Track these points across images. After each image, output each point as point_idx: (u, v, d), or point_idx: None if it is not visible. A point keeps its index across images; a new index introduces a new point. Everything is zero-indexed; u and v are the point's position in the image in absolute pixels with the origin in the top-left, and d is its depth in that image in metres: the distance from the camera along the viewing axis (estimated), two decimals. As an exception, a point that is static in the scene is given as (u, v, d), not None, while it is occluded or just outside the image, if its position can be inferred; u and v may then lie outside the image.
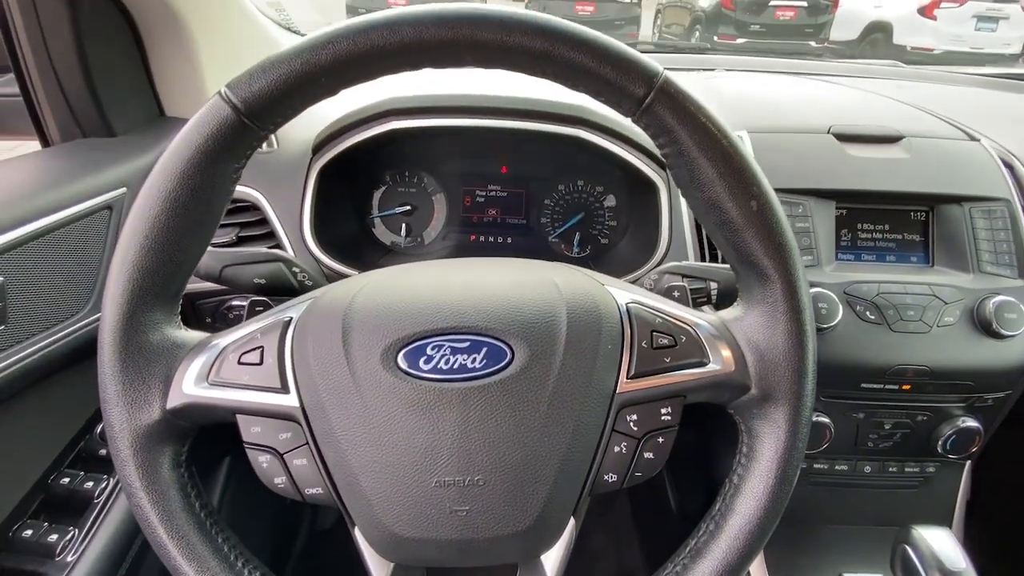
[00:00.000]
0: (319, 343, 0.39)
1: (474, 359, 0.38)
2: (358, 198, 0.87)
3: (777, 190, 0.72)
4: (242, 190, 0.74)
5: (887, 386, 0.68)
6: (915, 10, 7.14)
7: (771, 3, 7.40)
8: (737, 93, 0.91)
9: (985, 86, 1.26)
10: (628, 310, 0.42)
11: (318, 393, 0.38)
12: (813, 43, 7.36)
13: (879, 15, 7.60)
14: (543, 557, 0.41)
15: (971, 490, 0.79)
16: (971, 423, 0.70)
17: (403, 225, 0.88)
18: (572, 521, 0.41)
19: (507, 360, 0.38)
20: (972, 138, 0.78)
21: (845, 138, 0.75)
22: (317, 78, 0.36)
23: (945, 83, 1.27)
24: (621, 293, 0.43)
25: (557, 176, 0.88)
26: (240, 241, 0.74)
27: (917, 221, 0.72)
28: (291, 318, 0.41)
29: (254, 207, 0.74)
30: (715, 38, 7.56)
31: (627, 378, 0.40)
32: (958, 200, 0.71)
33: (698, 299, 0.55)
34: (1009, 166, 0.76)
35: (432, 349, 0.38)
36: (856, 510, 0.76)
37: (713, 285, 0.54)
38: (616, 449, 0.40)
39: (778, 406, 0.40)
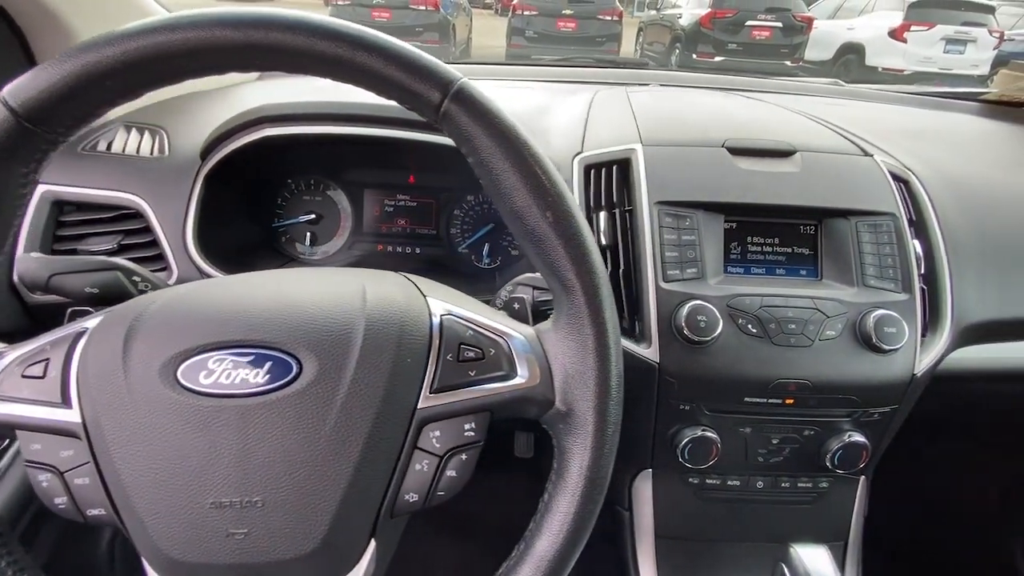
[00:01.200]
0: (100, 354, 0.37)
1: (257, 373, 0.36)
2: (260, 206, 0.85)
3: (664, 203, 0.74)
4: (124, 196, 0.72)
5: (770, 400, 0.68)
6: (886, 33, 7.35)
7: (747, 23, 7.58)
8: (648, 107, 0.91)
9: (917, 104, 1.29)
10: (440, 322, 0.41)
11: (96, 407, 0.36)
12: (788, 63, 7.54)
13: (852, 36, 7.81)
14: (341, 582, 0.40)
15: (869, 505, 0.78)
16: (858, 438, 0.70)
17: (308, 234, 0.87)
18: (373, 544, 0.39)
19: (293, 375, 0.37)
20: (866, 153, 0.79)
21: (738, 152, 0.75)
22: (100, 81, 0.35)
23: (879, 101, 1.29)
24: (439, 304, 0.42)
25: (466, 187, 0.87)
26: (121, 250, 0.72)
27: (806, 235, 0.73)
28: (86, 329, 0.39)
29: (138, 214, 0.72)
30: (694, 56, 7.72)
31: (429, 392, 0.39)
32: (845, 214, 0.71)
33: (547, 310, 0.54)
34: (904, 181, 0.77)
35: (214, 363, 0.36)
36: (751, 526, 0.75)
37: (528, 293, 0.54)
38: (417, 467, 0.38)
39: (582, 421, 0.39)
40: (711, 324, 0.64)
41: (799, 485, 0.74)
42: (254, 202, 0.84)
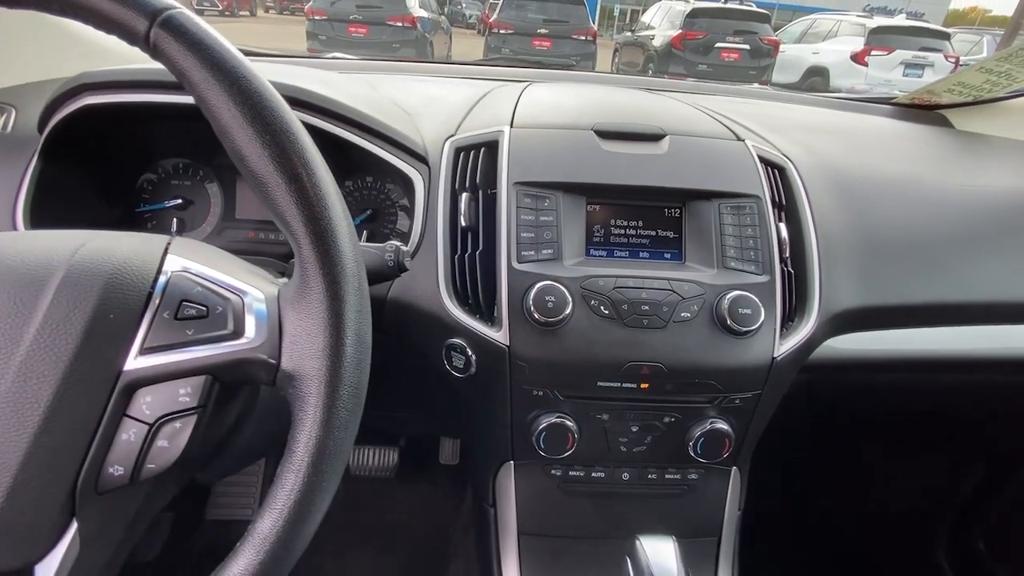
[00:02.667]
0: None
1: None
2: (122, 189, 0.81)
3: (524, 184, 0.72)
4: None
5: (624, 384, 0.65)
6: (849, 57, 7.62)
7: (717, 45, 7.80)
8: (534, 96, 0.90)
9: (838, 107, 1.30)
10: (168, 279, 0.37)
11: None
12: (756, 85, 7.74)
13: (817, 60, 8.09)
14: (38, 567, 0.35)
15: (746, 497, 0.76)
16: (721, 425, 0.67)
17: (175, 220, 0.83)
18: (76, 525, 0.35)
19: None
20: (738, 138, 0.78)
21: (606, 135, 0.74)
22: None
23: (799, 103, 1.31)
24: (178, 260, 0.39)
25: (344, 171, 0.85)
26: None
27: (671, 218, 0.71)
28: None
29: None
30: (666, 76, 7.90)
31: (139, 353, 0.35)
32: (708, 196, 0.70)
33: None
34: (779, 168, 0.77)
35: None
36: (619, 522, 0.72)
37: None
38: (124, 436, 0.35)
39: (309, 386, 0.35)
40: (559, 304, 0.62)
41: (667, 477, 0.71)
42: (113, 184, 0.80)
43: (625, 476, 0.71)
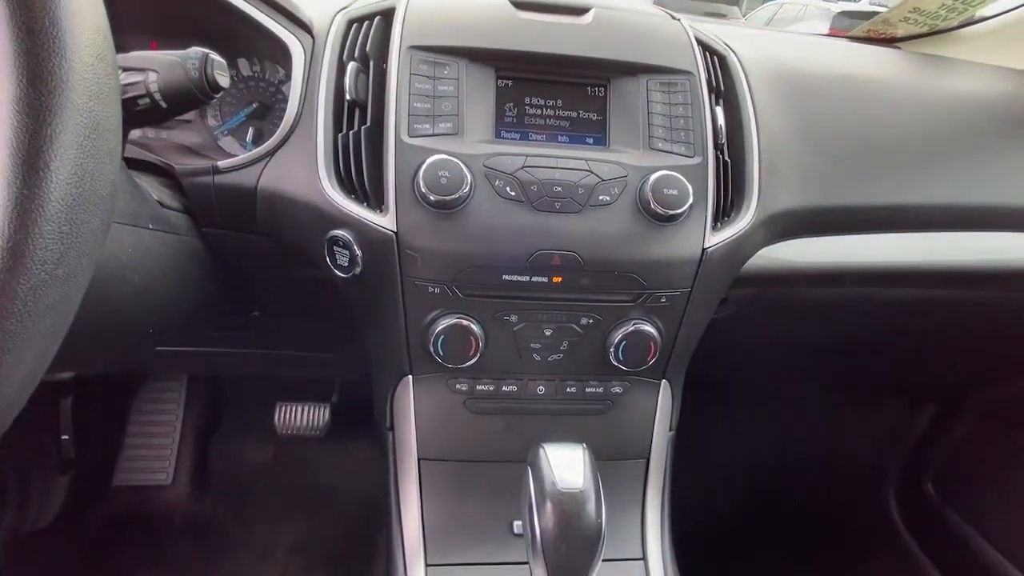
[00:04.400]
0: None
1: None
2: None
3: (420, 48, 0.61)
4: None
5: (534, 279, 0.56)
6: (814, 39, 7.68)
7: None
8: None
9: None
10: None
11: None
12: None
13: None
14: None
15: (681, 415, 0.68)
16: (645, 327, 0.59)
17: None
18: None
19: None
20: (674, 18, 0.69)
21: (522, 5, 0.64)
22: None
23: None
24: None
25: (221, 55, 0.72)
26: None
27: (594, 97, 0.62)
28: None
29: None
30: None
31: None
32: (635, 71, 0.61)
33: (137, 97, 0.41)
34: (719, 56, 0.68)
35: None
36: (534, 444, 0.64)
37: (152, 76, 0.40)
38: None
39: None
40: (455, 181, 0.52)
41: (587, 390, 0.63)
42: None
43: (540, 390, 0.62)
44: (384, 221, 0.55)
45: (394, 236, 0.54)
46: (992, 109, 0.79)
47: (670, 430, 0.67)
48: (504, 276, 0.56)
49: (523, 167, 0.55)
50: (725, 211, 0.62)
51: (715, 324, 0.86)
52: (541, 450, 0.48)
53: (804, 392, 1.35)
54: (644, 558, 0.61)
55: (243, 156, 0.60)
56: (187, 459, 1.36)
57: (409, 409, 0.62)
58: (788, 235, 0.70)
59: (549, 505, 0.45)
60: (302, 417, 1.38)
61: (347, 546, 1.32)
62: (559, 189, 0.55)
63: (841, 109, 0.75)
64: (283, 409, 1.38)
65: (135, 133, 0.71)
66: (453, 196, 0.52)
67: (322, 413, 1.39)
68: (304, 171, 0.58)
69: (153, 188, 0.58)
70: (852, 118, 0.74)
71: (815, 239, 0.76)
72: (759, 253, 0.71)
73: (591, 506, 0.45)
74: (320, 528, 1.34)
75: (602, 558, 0.60)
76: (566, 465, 0.47)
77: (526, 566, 0.59)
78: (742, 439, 1.44)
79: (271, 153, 0.60)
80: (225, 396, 1.44)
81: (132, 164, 0.59)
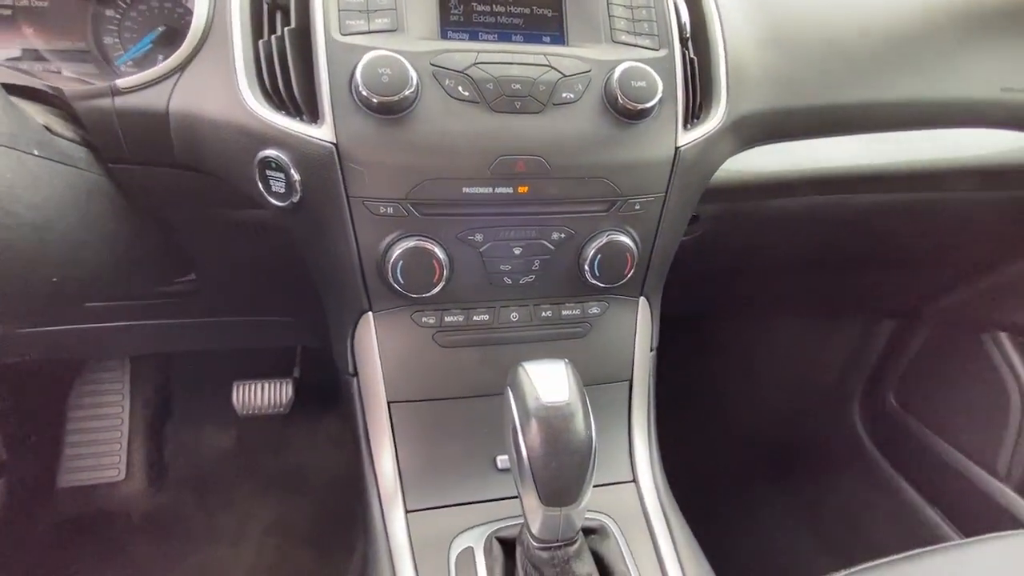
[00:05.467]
0: None
1: None
2: None
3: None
4: None
5: (497, 190, 0.51)
6: None
7: None
8: None
9: None
10: None
11: None
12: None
13: None
14: None
15: (659, 335, 0.66)
16: (620, 238, 0.55)
17: None
18: None
19: None
20: None
21: None
22: None
23: None
24: None
25: None
26: None
27: None
28: None
29: None
30: None
31: None
32: None
33: None
34: None
35: None
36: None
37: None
38: None
39: None
40: (398, 79, 0.46)
41: (564, 313, 0.59)
42: None
43: (514, 316, 0.58)
44: (321, 133, 0.48)
45: (334, 149, 0.48)
46: (953, 4, 0.78)
47: (651, 350, 0.65)
48: (464, 189, 0.50)
49: (475, 63, 0.49)
50: (695, 112, 0.58)
51: (687, 249, 0.84)
52: (520, 369, 0.44)
53: (772, 320, 1.37)
54: (635, 480, 0.59)
55: (147, 72, 0.51)
56: (140, 451, 1.26)
57: (373, 349, 0.56)
58: (757, 140, 0.67)
59: (534, 423, 0.41)
60: (263, 395, 1.30)
61: (326, 524, 1.26)
62: (517, 87, 0.50)
63: (806, 8, 0.72)
64: (242, 388, 1.29)
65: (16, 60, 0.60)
66: (397, 97, 0.46)
67: (284, 389, 1.31)
68: (222, 85, 0.50)
69: (38, 114, 0.49)
70: (817, 17, 0.72)
71: (780, 148, 0.74)
72: (727, 166, 0.68)
73: (579, 419, 0.41)
74: (295, 509, 1.28)
75: (593, 483, 0.58)
76: (549, 380, 0.43)
77: (514, 501, 0.56)
78: (714, 370, 1.46)
79: (182, 67, 0.51)
80: (175, 380, 1.34)
81: (11, 90, 0.50)
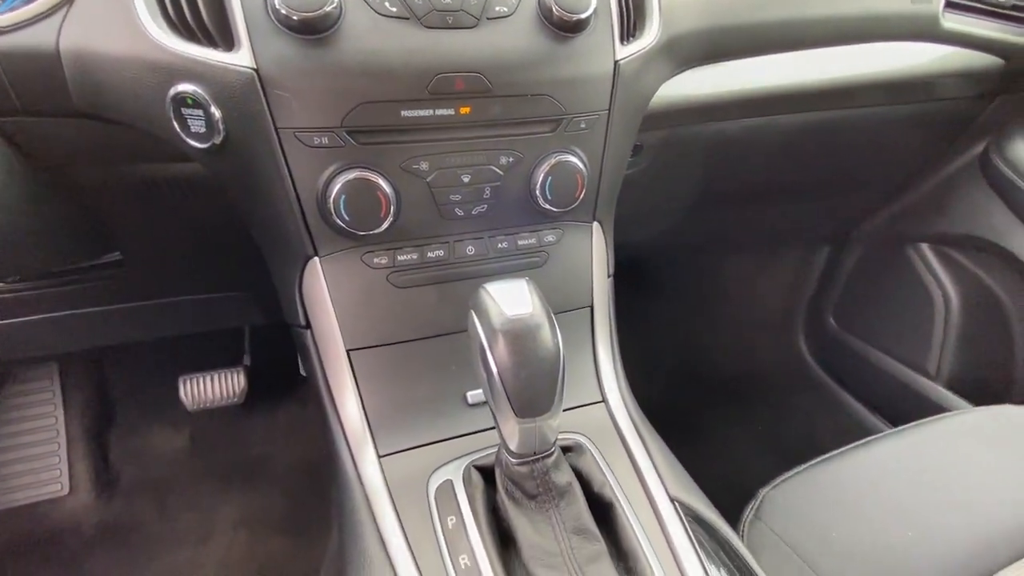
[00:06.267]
0: None
1: None
2: None
3: None
4: None
5: (438, 111, 0.49)
6: None
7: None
8: None
9: None
10: None
11: None
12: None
13: None
14: None
15: (615, 259, 0.66)
16: (568, 158, 0.55)
17: None
18: None
19: None
20: None
21: None
22: None
23: None
24: None
25: None
26: None
27: None
28: None
29: None
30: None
31: None
32: None
33: None
34: None
35: None
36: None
37: None
38: None
39: None
40: None
41: (520, 243, 0.58)
42: None
43: (470, 250, 0.56)
44: (238, 59, 0.44)
45: (255, 75, 0.44)
46: None
47: (608, 276, 0.65)
48: (403, 112, 0.48)
49: None
50: (630, 30, 0.58)
51: (635, 183, 0.84)
52: (482, 290, 0.43)
53: (719, 258, 1.42)
54: (605, 400, 0.60)
55: (29, 7, 0.45)
56: (83, 462, 1.17)
57: (324, 297, 0.53)
58: (690, 61, 0.68)
59: (501, 337, 0.40)
60: (213, 387, 1.23)
61: (297, 511, 1.22)
62: (448, 1, 0.47)
63: None
64: (189, 383, 1.22)
65: None
66: (319, 12, 0.43)
67: (236, 379, 1.25)
68: (118, 16, 0.45)
69: None
70: None
71: (713, 73, 0.75)
72: (666, 91, 0.69)
73: (545, 329, 0.41)
74: (261, 500, 1.22)
75: (565, 406, 0.58)
76: (511, 296, 0.42)
77: (489, 433, 0.55)
78: (667, 312, 1.51)
79: (68, 1, 0.46)
80: (113, 383, 1.24)
81: None
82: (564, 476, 0.45)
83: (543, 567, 0.41)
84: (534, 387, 0.41)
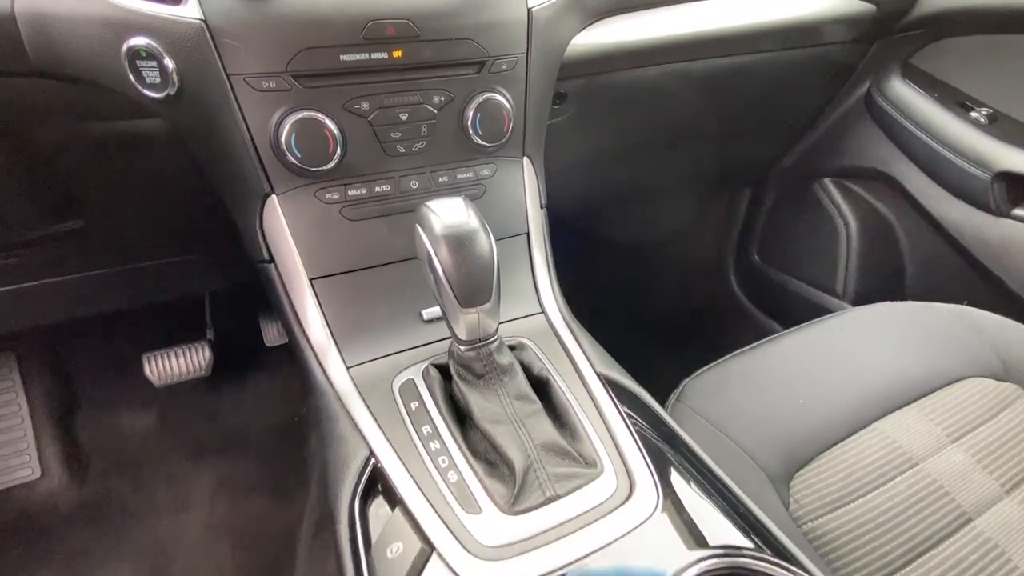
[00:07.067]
0: None
1: None
2: None
3: None
4: None
5: (373, 55, 0.55)
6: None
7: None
8: None
9: None
10: None
11: None
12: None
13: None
14: None
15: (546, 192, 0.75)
16: (494, 96, 0.62)
17: None
18: None
19: None
20: None
21: None
22: None
23: None
24: None
25: None
26: None
27: None
28: None
29: None
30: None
31: None
32: None
33: None
34: None
35: None
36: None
37: None
38: None
39: None
40: None
41: (459, 176, 0.66)
42: None
43: (414, 184, 0.63)
44: (187, 11, 0.49)
45: (204, 25, 0.49)
46: None
47: (541, 207, 0.74)
48: (341, 56, 0.54)
49: None
50: None
51: (563, 131, 0.93)
52: (424, 207, 0.50)
53: (653, 207, 1.54)
54: (543, 311, 0.69)
55: None
56: (52, 447, 1.18)
57: (284, 231, 0.59)
58: (600, 12, 0.77)
59: (443, 242, 0.47)
60: (179, 362, 1.25)
61: (275, 471, 1.27)
62: None
63: None
64: (153, 360, 1.24)
65: None
66: None
67: (200, 352, 1.28)
68: None
69: None
70: None
71: (628, 21, 0.84)
72: (581, 41, 0.77)
73: (480, 233, 0.48)
74: (238, 466, 1.27)
75: (508, 318, 0.66)
76: (450, 209, 0.49)
77: (444, 343, 0.63)
78: (612, 263, 1.62)
79: None
80: (74, 368, 1.25)
81: None
82: (506, 358, 0.54)
83: (491, 423, 0.49)
84: (474, 281, 0.49)
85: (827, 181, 1.33)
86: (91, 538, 1.12)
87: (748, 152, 1.36)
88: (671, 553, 0.41)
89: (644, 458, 0.48)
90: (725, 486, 0.49)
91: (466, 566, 0.39)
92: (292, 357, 0.62)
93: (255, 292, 1.32)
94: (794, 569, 0.41)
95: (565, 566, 0.39)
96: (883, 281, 1.27)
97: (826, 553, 0.59)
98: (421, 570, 0.39)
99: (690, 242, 1.66)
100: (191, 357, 1.25)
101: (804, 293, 1.42)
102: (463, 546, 0.41)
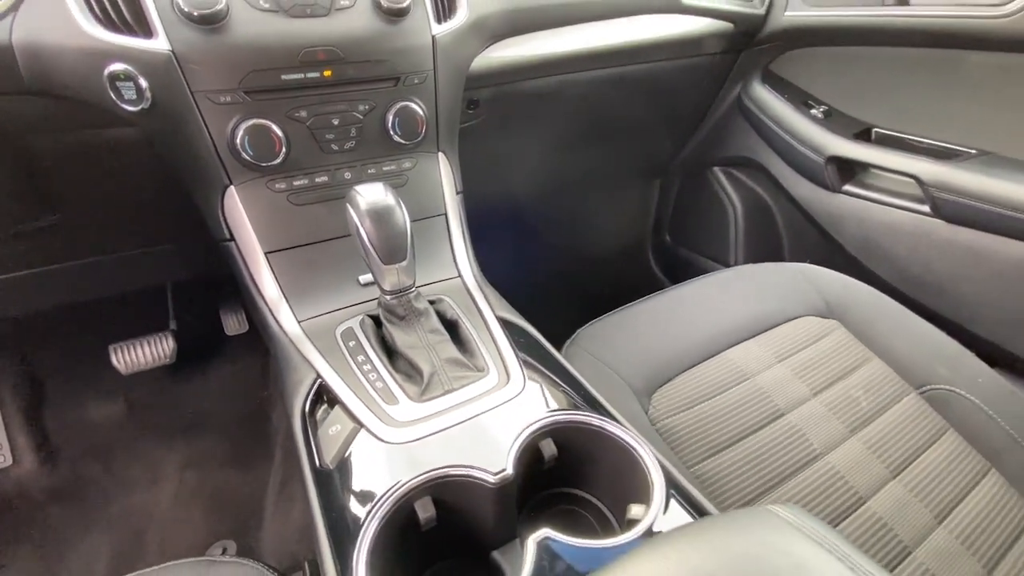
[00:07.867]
0: None
1: None
2: None
3: None
4: None
5: (308, 75, 0.71)
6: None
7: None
8: None
9: None
10: None
11: None
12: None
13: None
14: None
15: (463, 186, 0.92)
16: (410, 104, 0.79)
17: None
18: None
19: None
20: None
21: None
22: None
23: None
24: None
25: None
26: None
27: None
28: None
29: None
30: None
31: None
32: None
33: None
34: None
35: None
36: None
37: None
38: None
39: None
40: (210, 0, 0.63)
41: (385, 169, 0.82)
42: None
43: (347, 176, 0.79)
44: (157, 45, 0.63)
45: (171, 55, 0.64)
46: None
47: (457, 192, 0.91)
48: (283, 76, 0.69)
49: None
50: (446, 13, 0.82)
51: (478, 134, 1.10)
52: (353, 191, 0.66)
53: (578, 200, 1.73)
54: (460, 275, 0.85)
55: None
56: (22, 436, 1.26)
57: (241, 214, 0.74)
58: (498, 35, 0.94)
59: (367, 216, 0.63)
60: (144, 351, 1.35)
61: (241, 447, 1.37)
62: None
63: None
64: (120, 350, 1.33)
65: None
66: (211, 10, 0.63)
67: (165, 342, 1.38)
68: (57, 16, 0.62)
69: None
70: None
71: (526, 41, 1.02)
72: (487, 56, 0.95)
73: (396, 208, 0.65)
74: (206, 445, 1.37)
75: (429, 281, 0.82)
76: (372, 192, 0.65)
77: (375, 302, 0.79)
78: (546, 253, 1.81)
79: (15, 7, 0.62)
80: (39, 363, 1.33)
81: None
82: (422, 303, 0.70)
83: (409, 348, 0.66)
84: (392, 244, 0.65)
85: (716, 170, 1.56)
86: (66, 516, 1.21)
87: (651, 148, 1.58)
88: (529, 415, 0.58)
89: (520, 366, 0.65)
90: (584, 388, 0.67)
91: (384, 432, 0.56)
92: (251, 342, 0.77)
93: (215, 284, 1.43)
94: (624, 424, 0.59)
95: (452, 426, 0.56)
96: (766, 250, 1.51)
97: (672, 442, 0.78)
98: (353, 439, 0.56)
99: (615, 228, 1.87)
100: (156, 346, 1.35)
101: (704, 266, 1.65)
102: (382, 422, 0.57)
